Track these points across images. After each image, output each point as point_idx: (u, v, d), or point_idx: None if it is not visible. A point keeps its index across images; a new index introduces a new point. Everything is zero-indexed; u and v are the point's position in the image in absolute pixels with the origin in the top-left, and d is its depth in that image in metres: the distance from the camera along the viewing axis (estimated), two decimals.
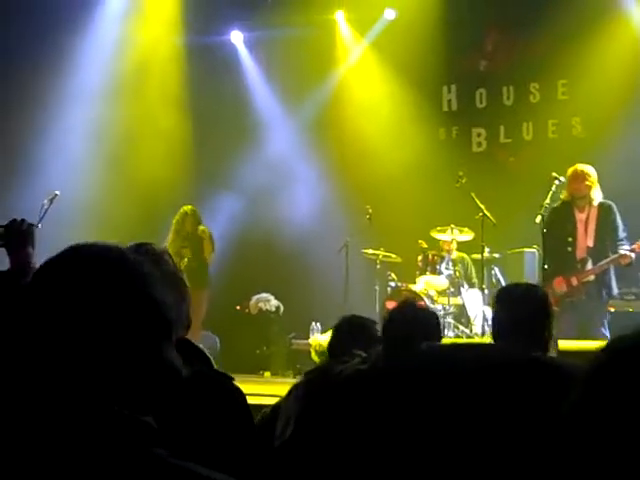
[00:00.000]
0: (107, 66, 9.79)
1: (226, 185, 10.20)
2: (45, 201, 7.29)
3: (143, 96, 9.76)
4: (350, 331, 3.67)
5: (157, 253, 2.41)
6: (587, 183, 6.93)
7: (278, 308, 9.31)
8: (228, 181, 10.22)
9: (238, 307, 9.36)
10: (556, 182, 6.99)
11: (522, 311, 3.34)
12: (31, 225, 3.01)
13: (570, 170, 7.05)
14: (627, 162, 8.78)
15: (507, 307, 3.44)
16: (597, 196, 6.98)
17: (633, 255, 6.73)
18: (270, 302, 9.30)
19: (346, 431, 3.02)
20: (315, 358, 5.69)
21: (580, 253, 6.96)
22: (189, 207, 8.70)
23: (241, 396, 2.28)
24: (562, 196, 7.04)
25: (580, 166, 7.03)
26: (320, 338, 6.00)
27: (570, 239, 6.93)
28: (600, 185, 7.31)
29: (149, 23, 10.06)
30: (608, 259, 6.79)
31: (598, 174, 7.70)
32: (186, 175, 10.25)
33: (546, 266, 6.72)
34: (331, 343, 3.70)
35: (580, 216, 7.01)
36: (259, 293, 9.44)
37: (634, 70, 9.13)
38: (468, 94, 10.32)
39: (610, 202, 7.01)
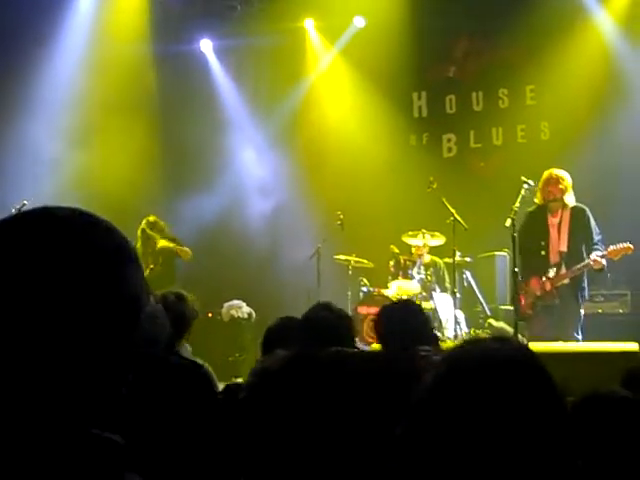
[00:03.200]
0: (74, 76, 9.69)
1: (196, 193, 10.16)
2: (13, 210, 7.22)
3: (111, 105, 9.68)
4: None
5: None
6: (561, 187, 6.97)
7: (250, 315, 9.26)
8: (198, 189, 10.18)
9: (210, 314, 9.28)
10: (525, 186, 7.02)
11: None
12: None
13: (545, 174, 7.09)
14: (594, 166, 8.87)
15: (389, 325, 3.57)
16: (570, 200, 7.02)
17: (604, 261, 6.76)
18: (242, 309, 9.25)
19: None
20: None
21: (554, 257, 6.98)
22: (152, 217, 8.69)
23: (213, 381, 2.28)
24: (536, 200, 7.03)
25: (555, 170, 7.08)
26: None
27: (543, 243, 6.96)
28: None
29: (117, 32, 9.99)
30: (581, 264, 6.81)
31: None
32: (155, 183, 10.21)
33: (517, 269, 6.76)
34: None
35: (553, 220, 7.03)
36: (231, 300, 9.39)
37: (601, 75, 9.26)
38: (438, 100, 10.40)
39: (584, 206, 7.04)
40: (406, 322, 3.56)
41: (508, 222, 6.86)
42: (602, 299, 8.52)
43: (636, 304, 8.54)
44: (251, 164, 10.45)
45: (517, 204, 6.93)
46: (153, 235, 8.75)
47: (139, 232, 8.73)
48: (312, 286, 8.96)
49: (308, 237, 9.39)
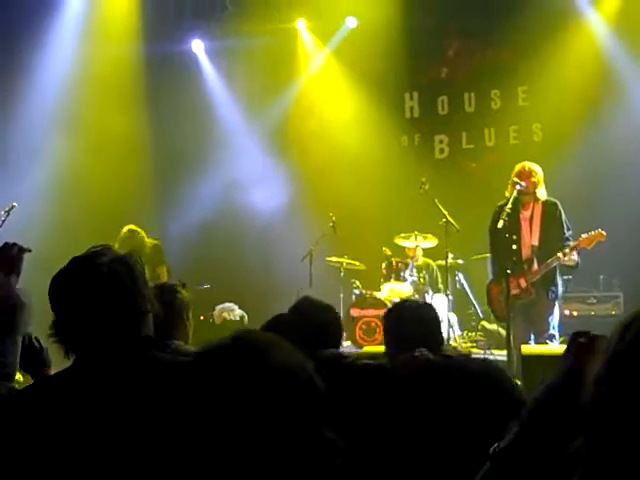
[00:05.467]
0: (64, 77, 9.63)
1: (187, 193, 10.12)
2: (2, 212, 7.16)
3: (102, 106, 9.63)
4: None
5: None
6: (533, 180, 6.89)
7: (242, 317, 9.22)
8: (189, 189, 10.14)
9: (202, 317, 9.23)
10: (517, 187, 6.96)
11: (411, 330, 3.39)
12: (22, 250, 2.88)
13: (517, 166, 7.01)
14: (586, 167, 8.87)
15: (396, 325, 3.51)
16: (542, 194, 6.96)
17: (576, 256, 6.67)
18: (234, 312, 9.21)
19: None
20: None
21: (525, 252, 6.90)
22: (129, 226, 8.42)
23: None
24: (507, 193, 6.92)
25: (527, 163, 7.01)
26: None
27: (515, 237, 6.87)
28: (560, 190, 7.34)
29: (108, 32, 9.93)
30: (552, 259, 6.73)
31: (558, 179, 7.76)
32: (146, 184, 10.15)
33: (490, 266, 6.74)
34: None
35: (524, 214, 6.96)
36: (223, 303, 9.35)
37: (592, 77, 9.25)
38: (430, 101, 10.38)
39: (555, 199, 6.96)
40: (419, 322, 3.50)
41: (500, 224, 6.81)
42: (595, 301, 8.51)
43: (629, 306, 8.52)
44: (243, 165, 10.39)
45: (510, 205, 6.87)
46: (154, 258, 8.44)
47: (120, 239, 8.41)
48: (304, 288, 8.91)
49: (301, 239, 9.35)
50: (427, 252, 8.92)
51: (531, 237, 6.91)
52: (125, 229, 8.32)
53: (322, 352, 3.21)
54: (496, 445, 1.67)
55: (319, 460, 1.31)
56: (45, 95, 9.52)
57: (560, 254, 6.62)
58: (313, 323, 3.39)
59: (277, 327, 3.41)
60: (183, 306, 3.84)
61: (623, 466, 1.19)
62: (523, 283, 6.86)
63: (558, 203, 6.91)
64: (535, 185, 6.91)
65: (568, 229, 6.84)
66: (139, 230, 8.39)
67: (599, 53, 9.37)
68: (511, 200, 6.80)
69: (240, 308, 9.34)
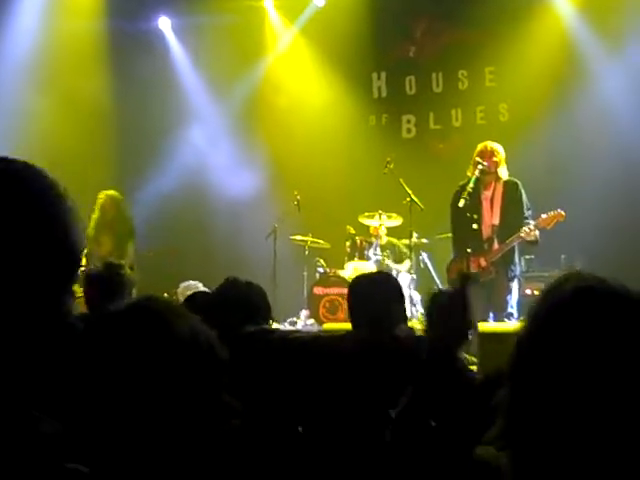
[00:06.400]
0: (27, 55, 9.48)
1: (153, 172, 10.05)
2: None
3: (65, 84, 9.51)
4: None
5: None
6: (495, 159, 6.94)
7: None
8: (155, 169, 10.06)
9: (166, 294, 9.20)
10: (479, 167, 6.99)
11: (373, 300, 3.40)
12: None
13: (479, 146, 7.05)
14: (552, 148, 8.92)
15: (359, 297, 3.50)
16: (504, 173, 6.99)
17: (537, 233, 6.72)
18: (198, 289, 9.17)
19: None
20: None
21: (486, 231, 6.95)
22: (111, 192, 8.52)
23: None
24: (468, 173, 6.96)
25: (489, 143, 7.04)
26: None
27: (476, 216, 6.90)
28: (524, 171, 7.37)
29: (72, 8, 9.80)
30: (513, 237, 6.78)
31: (523, 159, 7.80)
32: (111, 162, 10.07)
33: (453, 246, 6.78)
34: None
35: (486, 194, 7.00)
36: (187, 280, 9.30)
37: (559, 58, 9.30)
38: (398, 81, 10.36)
39: (516, 180, 7.00)
40: (374, 296, 3.50)
41: (461, 203, 6.84)
42: None
43: None
44: (210, 143, 10.34)
45: (471, 184, 6.90)
46: (115, 213, 8.49)
47: (98, 205, 8.46)
48: (269, 266, 8.91)
49: (266, 217, 9.32)
50: (392, 231, 8.93)
51: (492, 217, 6.96)
52: (106, 195, 8.35)
53: (245, 328, 3.29)
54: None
55: (216, 421, 1.34)
56: (12, 58, 9.35)
57: (522, 233, 6.67)
58: (238, 301, 3.45)
59: (194, 306, 3.47)
60: (127, 284, 3.95)
61: (544, 421, 1.23)
62: (483, 262, 6.90)
63: (519, 183, 6.96)
64: (497, 165, 6.95)
65: (528, 209, 6.90)
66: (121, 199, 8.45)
67: (565, 35, 9.40)
68: (472, 180, 6.84)
69: (205, 286, 9.30)
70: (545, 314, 1.31)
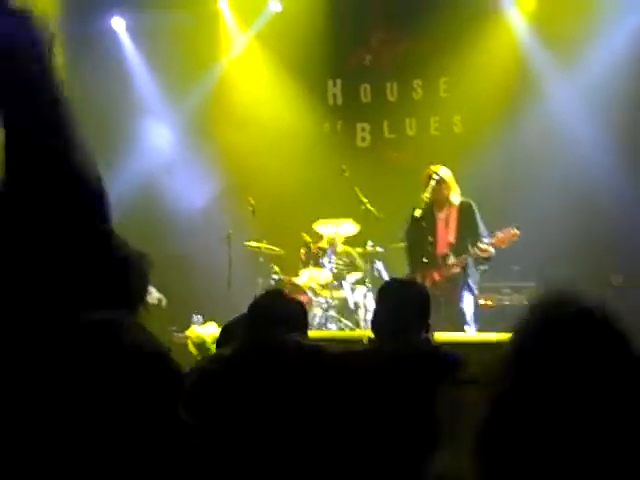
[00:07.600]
0: None
1: (105, 175, 9.85)
2: None
3: None
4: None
5: None
6: (444, 192, 7.05)
7: (160, 300, 9.08)
8: (104, 172, 9.86)
9: None
10: (435, 176, 7.06)
11: (400, 307, 3.44)
12: None
13: (425, 173, 7.14)
14: (503, 161, 9.04)
15: (386, 302, 3.53)
16: (455, 199, 7.09)
17: (492, 249, 6.83)
18: (152, 294, 9.04)
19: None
20: (193, 350, 5.52)
21: (441, 249, 7.06)
22: None
23: None
24: (423, 196, 6.99)
25: (433, 170, 7.08)
26: (198, 330, 5.84)
27: (430, 238, 7.01)
28: (476, 182, 7.46)
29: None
30: (466, 254, 6.90)
31: (476, 172, 7.90)
32: None
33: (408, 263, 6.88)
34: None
35: (440, 215, 7.13)
36: None
37: (511, 71, 9.43)
38: (353, 89, 10.39)
39: (469, 201, 7.10)
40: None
41: (418, 212, 6.92)
42: (509, 291, 8.68)
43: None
44: (163, 146, 10.22)
45: (427, 194, 6.98)
46: None
47: None
48: (223, 273, 8.85)
49: (219, 223, 9.25)
50: (347, 239, 8.94)
51: (447, 235, 7.06)
52: None
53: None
54: None
55: (171, 440, 1.29)
56: None
57: (476, 249, 6.78)
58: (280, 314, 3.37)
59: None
60: None
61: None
62: (437, 277, 7.00)
63: (473, 204, 7.09)
64: (447, 194, 7.04)
65: (482, 227, 7.00)
66: None
67: (517, 48, 9.55)
68: (428, 189, 6.93)
69: (158, 291, 9.20)
70: (545, 332, 1.36)
